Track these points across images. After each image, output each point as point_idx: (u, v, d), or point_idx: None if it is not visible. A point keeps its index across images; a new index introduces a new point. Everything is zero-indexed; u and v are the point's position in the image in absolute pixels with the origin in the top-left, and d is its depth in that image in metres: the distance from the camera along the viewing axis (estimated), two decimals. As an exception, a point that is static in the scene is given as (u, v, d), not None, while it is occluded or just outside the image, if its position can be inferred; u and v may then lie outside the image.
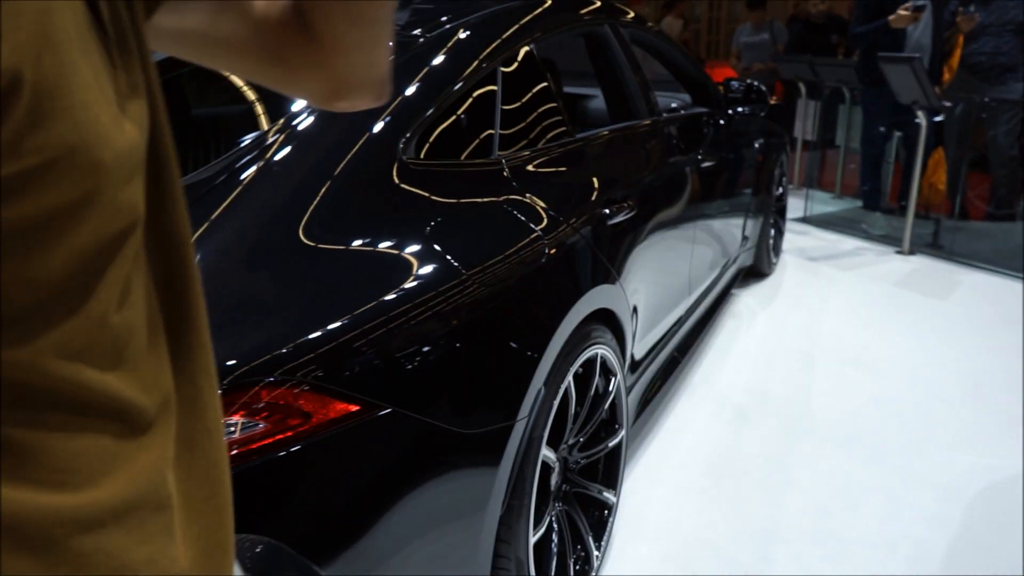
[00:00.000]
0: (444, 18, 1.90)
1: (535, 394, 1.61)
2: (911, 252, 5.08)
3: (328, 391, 1.19)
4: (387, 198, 1.49)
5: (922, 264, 4.97)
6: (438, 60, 1.75)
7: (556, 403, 1.70)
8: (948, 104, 5.28)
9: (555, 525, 1.88)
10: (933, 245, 5.17)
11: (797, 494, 2.51)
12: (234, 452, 1.09)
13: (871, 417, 3.01)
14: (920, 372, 3.41)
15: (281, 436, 1.15)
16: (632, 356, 2.26)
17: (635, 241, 2.17)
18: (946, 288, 4.50)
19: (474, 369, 1.45)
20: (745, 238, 3.94)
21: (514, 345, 1.56)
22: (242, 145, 1.47)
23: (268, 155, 1.42)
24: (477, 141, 1.81)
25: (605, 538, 2.09)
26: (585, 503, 2.09)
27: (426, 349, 1.36)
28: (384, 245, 1.41)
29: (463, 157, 1.75)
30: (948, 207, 5.49)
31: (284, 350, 1.16)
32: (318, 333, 1.20)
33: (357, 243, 1.38)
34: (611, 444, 2.10)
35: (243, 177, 1.39)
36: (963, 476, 2.60)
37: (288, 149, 1.45)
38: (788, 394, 3.23)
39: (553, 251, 1.70)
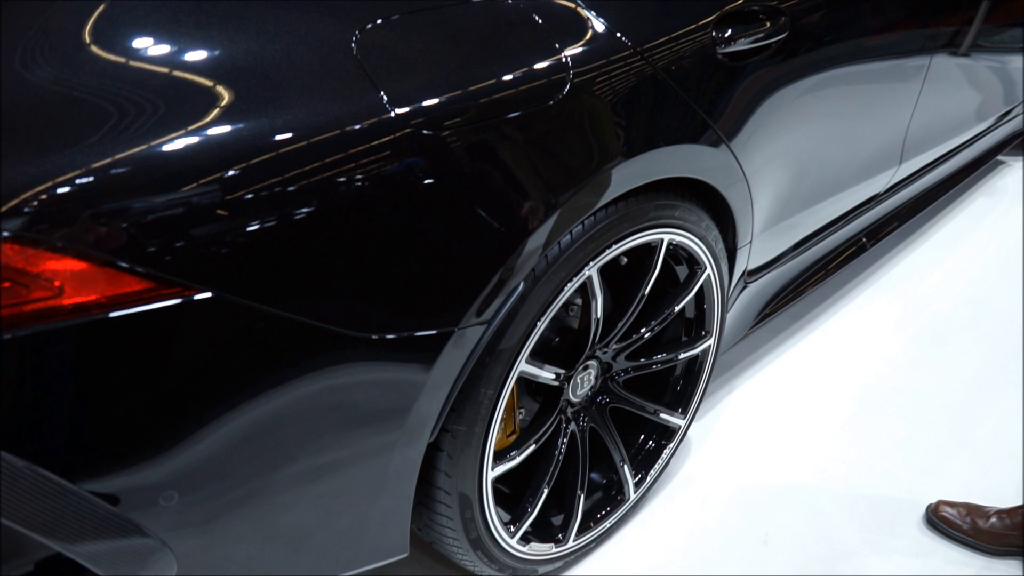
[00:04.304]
0: None
1: (507, 292, 1.11)
2: None
3: (96, 259, 0.80)
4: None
5: None
6: None
7: (557, 304, 1.20)
8: None
9: (561, 448, 1.43)
10: None
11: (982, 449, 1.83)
12: None
13: None
14: None
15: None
16: (749, 251, 1.62)
17: (781, 80, 1.47)
18: None
19: (387, 246, 0.98)
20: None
21: (481, 214, 1.05)
22: None
23: None
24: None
25: (654, 471, 1.61)
26: (632, 424, 1.60)
27: (297, 209, 0.91)
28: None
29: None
30: None
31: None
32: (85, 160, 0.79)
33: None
34: (683, 356, 1.55)
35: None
36: None
37: None
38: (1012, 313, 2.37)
39: (571, 97, 1.11)
